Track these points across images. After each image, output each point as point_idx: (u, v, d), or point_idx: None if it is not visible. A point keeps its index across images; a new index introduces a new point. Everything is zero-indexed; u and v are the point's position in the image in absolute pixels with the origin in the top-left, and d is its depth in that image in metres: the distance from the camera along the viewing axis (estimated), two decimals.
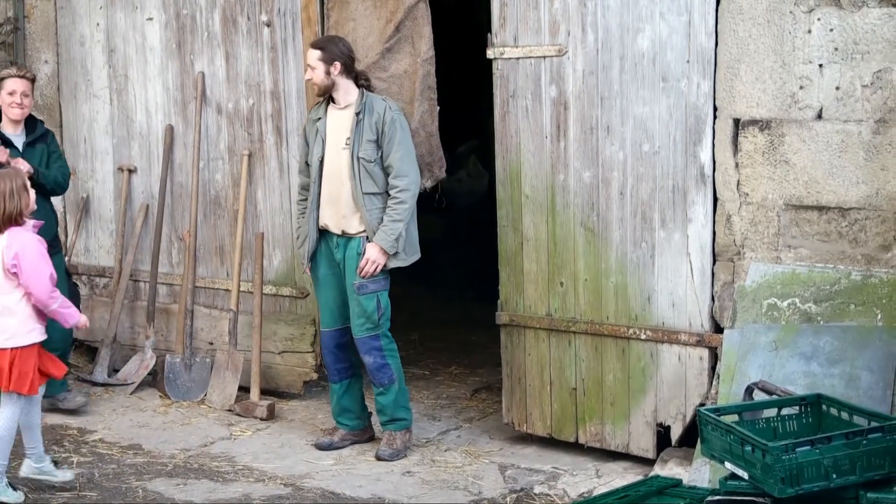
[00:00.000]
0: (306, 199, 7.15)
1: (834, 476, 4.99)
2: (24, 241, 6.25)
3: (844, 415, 5.41)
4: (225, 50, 8.34)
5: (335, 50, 6.93)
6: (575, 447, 7.09)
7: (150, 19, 8.66)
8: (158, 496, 6.48)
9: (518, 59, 7.06)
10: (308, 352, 8.15)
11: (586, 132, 6.86)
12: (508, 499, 6.45)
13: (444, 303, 10.48)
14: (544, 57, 6.97)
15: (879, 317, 5.98)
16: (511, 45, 7.07)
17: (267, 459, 7.07)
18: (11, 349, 6.24)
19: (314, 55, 6.95)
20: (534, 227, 7.09)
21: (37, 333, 6.34)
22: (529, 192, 7.08)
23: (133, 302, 8.90)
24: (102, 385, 8.55)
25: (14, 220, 6.24)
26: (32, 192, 6.39)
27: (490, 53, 7.15)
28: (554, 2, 6.87)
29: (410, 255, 7.00)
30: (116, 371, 8.71)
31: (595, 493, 6.32)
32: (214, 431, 7.63)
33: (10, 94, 7.48)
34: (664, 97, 6.58)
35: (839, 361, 5.97)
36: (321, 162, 6.99)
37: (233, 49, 8.31)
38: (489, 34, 7.14)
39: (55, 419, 7.84)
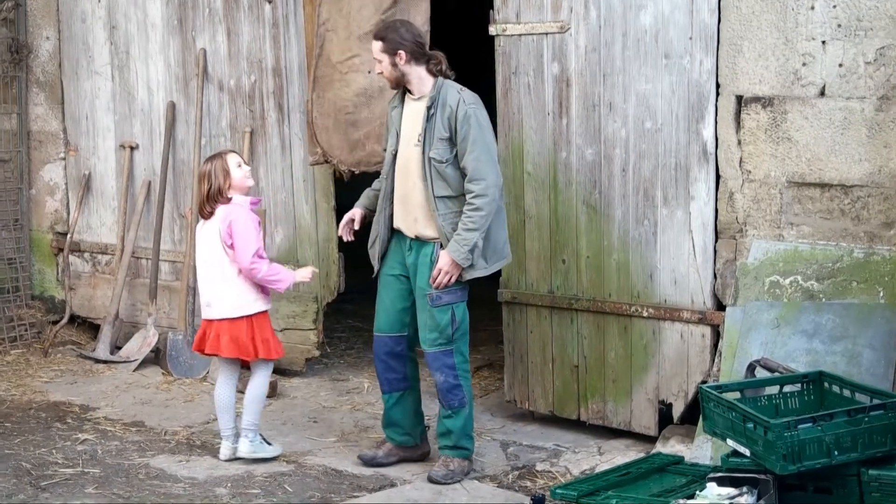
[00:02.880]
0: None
1: (835, 453, 5.02)
2: (235, 214, 6.55)
3: (846, 392, 5.44)
4: (226, 26, 8.33)
5: (396, 38, 6.21)
6: (577, 424, 7.10)
7: None
8: (161, 472, 6.49)
9: (520, 35, 7.04)
10: (310, 329, 8.16)
11: (588, 109, 6.84)
12: (510, 476, 6.46)
13: None
14: (546, 34, 6.95)
15: (881, 294, 5.97)
16: (513, 21, 7.05)
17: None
18: (246, 317, 6.59)
19: (376, 47, 6.27)
20: (536, 204, 7.08)
21: (262, 303, 6.64)
22: (531, 169, 7.07)
23: (135, 279, 8.91)
24: (105, 362, 8.57)
25: (216, 198, 6.55)
26: (241, 171, 6.60)
27: (492, 30, 7.13)
28: None
29: (494, 262, 6.34)
30: (119, 348, 8.74)
31: (597, 471, 6.33)
32: None
33: None
34: (667, 74, 6.57)
35: (841, 339, 5.97)
36: (395, 156, 6.36)
37: (234, 26, 8.29)
38: (491, 11, 7.12)
39: (58, 396, 7.87)
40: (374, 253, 6.49)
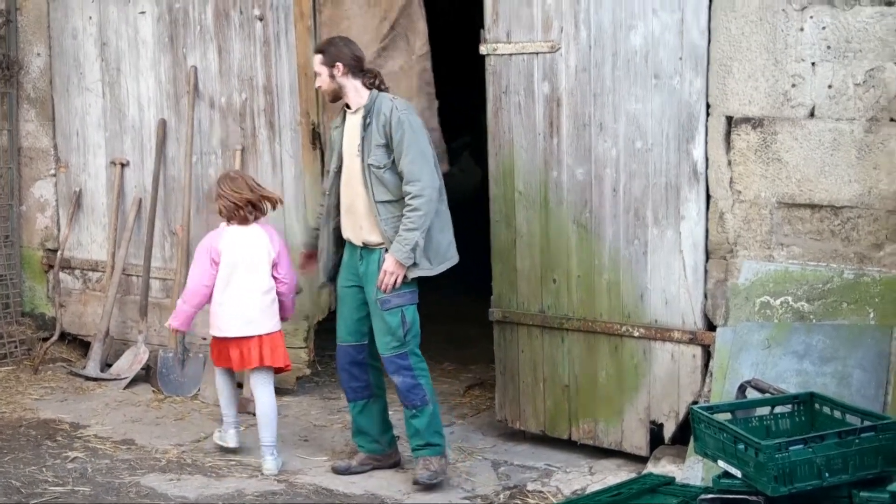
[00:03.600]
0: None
1: (826, 475, 5.01)
2: (276, 231, 7.11)
3: (837, 413, 5.43)
4: (217, 44, 8.33)
5: (334, 51, 6.55)
6: (568, 444, 7.10)
7: (143, 13, 8.65)
8: (151, 491, 6.48)
9: (511, 55, 7.05)
10: (301, 347, 8.16)
11: (579, 129, 6.86)
12: (502, 496, 6.47)
13: (436, 298, 10.41)
14: (537, 53, 6.96)
15: (872, 315, 5.99)
16: (504, 41, 7.06)
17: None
18: (279, 331, 7.00)
19: (316, 59, 6.62)
20: (527, 223, 7.09)
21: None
22: (522, 188, 7.08)
23: (126, 296, 8.90)
24: (95, 380, 8.55)
25: (263, 211, 6.99)
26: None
27: (483, 49, 7.14)
28: None
29: (438, 263, 6.57)
30: (109, 366, 8.72)
31: (588, 491, 6.33)
32: (208, 427, 7.61)
33: None
34: (657, 94, 6.58)
35: (831, 360, 5.98)
36: (338, 171, 6.70)
37: (225, 43, 8.30)
38: (482, 30, 7.14)
39: (48, 413, 7.86)
40: (320, 266, 6.88)
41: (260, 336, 6.85)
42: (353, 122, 6.60)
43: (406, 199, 6.42)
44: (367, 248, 6.61)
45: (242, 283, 6.85)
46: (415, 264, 6.46)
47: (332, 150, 6.76)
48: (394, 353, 6.56)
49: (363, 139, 6.51)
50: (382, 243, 6.51)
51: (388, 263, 6.44)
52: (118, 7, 8.76)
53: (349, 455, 7.00)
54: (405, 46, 7.51)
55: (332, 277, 6.86)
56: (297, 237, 8.04)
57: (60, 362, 9.01)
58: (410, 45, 7.51)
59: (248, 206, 6.87)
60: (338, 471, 6.85)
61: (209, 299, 6.95)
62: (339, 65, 6.52)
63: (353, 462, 6.89)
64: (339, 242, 6.79)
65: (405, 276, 6.48)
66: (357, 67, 6.58)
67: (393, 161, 6.46)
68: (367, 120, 6.50)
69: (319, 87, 6.66)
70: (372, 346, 6.77)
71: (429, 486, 6.53)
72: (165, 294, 8.71)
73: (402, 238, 6.40)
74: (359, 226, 6.60)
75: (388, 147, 6.46)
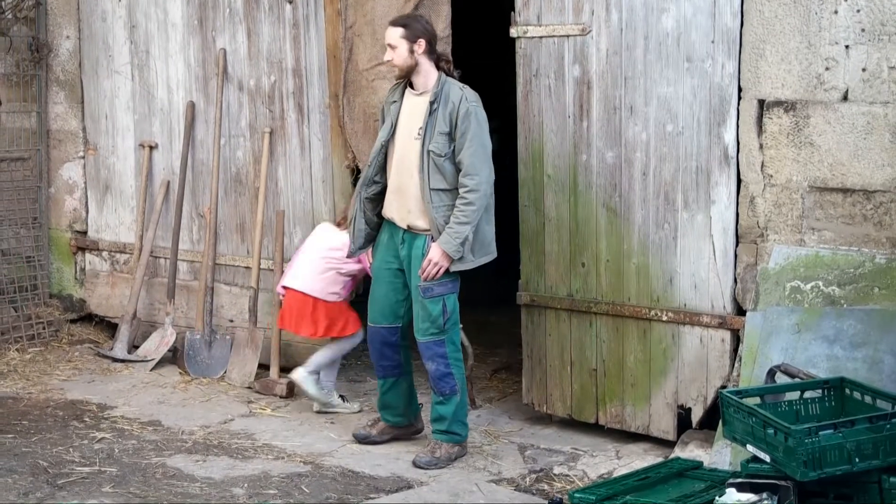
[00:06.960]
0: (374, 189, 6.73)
1: (856, 460, 5.00)
2: None
3: (867, 398, 5.42)
4: (247, 26, 8.32)
5: (418, 27, 6.47)
6: (595, 428, 7.08)
7: None
8: (178, 472, 6.48)
9: (541, 38, 7.02)
10: None
11: (609, 112, 6.82)
12: (528, 479, 6.45)
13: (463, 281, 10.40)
14: (568, 36, 6.93)
15: None
16: (534, 23, 7.03)
17: (286, 437, 7.07)
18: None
19: (395, 33, 6.45)
20: (556, 207, 7.06)
21: None
22: (552, 172, 7.05)
23: (153, 278, 8.91)
24: (122, 361, 8.57)
25: None
26: None
27: (513, 32, 7.11)
28: None
29: (480, 256, 6.51)
30: (136, 347, 8.73)
31: (615, 475, 6.31)
32: (234, 408, 7.64)
33: None
34: (688, 77, 6.54)
35: (862, 345, 5.93)
36: (383, 147, 6.60)
37: (255, 26, 8.28)
38: (512, 13, 7.11)
39: (75, 394, 7.88)
40: (351, 230, 6.78)
41: None
42: (416, 103, 6.53)
43: (461, 191, 6.37)
44: (410, 231, 6.55)
45: None
46: (461, 258, 6.41)
47: (385, 121, 6.66)
48: (431, 340, 6.56)
49: (427, 124, 6.43)
50: (429, 230, 6.46)
51: (435, 253, 6.40)
52: None
53: (371, 424, 7.05)
54: None
55: (363, 246, 6.81)
56: (325, 219, 8.04)
57: (88, 343, 9.04)
58: None
59: None
60: (358, 438, 6.96)
61: None
62: (423, 41, 6.46)
63: (374, 431, 6.97)
64: (373, 213, 6.71)
65: (449, 268, 6.44)
66: (433, 48, 6.54)
67: (453, 151, 6.40)
68: (434, 105, 6.42)
69: (391, 60, 6.53)
70: (405, 328, 6.77)
71: (425, 469, 6.55)
72: (193, 276, 8.72)
73: (454, 231, 6.35)
74: (406, 209, 6.53)
75: (451, 136, 6.40)
